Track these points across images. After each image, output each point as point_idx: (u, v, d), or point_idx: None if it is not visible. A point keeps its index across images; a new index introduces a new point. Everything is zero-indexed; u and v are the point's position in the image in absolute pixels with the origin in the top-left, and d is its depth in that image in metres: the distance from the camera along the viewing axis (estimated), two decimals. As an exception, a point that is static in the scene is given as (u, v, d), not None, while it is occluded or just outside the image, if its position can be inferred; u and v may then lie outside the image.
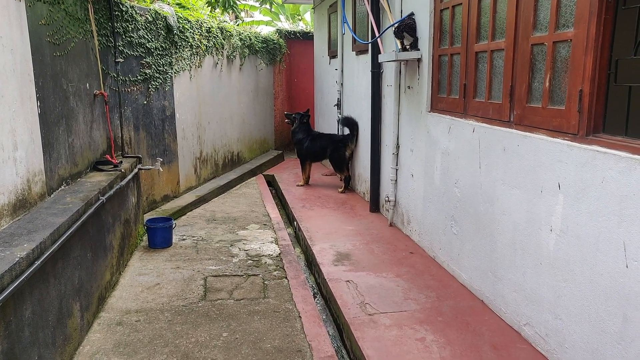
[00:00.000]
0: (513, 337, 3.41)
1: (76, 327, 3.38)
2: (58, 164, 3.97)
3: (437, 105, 4.72)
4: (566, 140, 2.92)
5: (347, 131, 7.75)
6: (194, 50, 7.48)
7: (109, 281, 4.26)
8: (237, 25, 10.63)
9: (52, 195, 3.80)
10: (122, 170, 4.93)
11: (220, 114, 8.77)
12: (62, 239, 3.10)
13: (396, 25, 5.11)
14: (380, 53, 5.84)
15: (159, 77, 6.64)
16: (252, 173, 9.41)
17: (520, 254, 3.39)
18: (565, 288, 2.96)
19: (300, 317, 3.85)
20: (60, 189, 3.98)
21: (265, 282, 4.51)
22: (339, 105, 8.47)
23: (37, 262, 2.71)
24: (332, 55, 8.97)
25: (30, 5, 3.54)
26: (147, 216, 5.95)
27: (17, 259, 2.54)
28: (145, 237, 5.56)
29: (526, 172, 3.29)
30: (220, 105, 8.75)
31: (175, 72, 7.01)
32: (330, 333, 3.84)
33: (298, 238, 6.16)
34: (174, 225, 5.51)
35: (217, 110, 8.63)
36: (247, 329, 3.66)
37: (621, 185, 2.49)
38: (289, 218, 7.04)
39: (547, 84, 3.11)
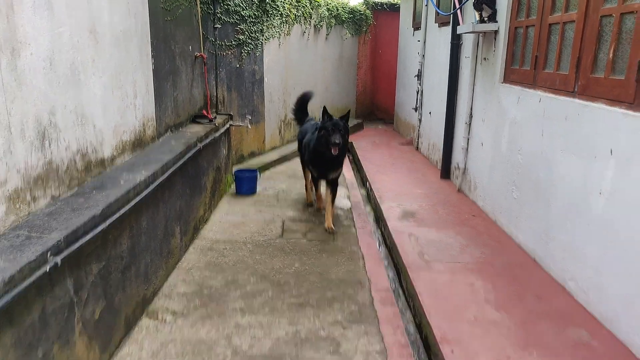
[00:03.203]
0: (557, 290, 3.68)
1: (177, 246, 4.10)
2: (165, 113, 4.67)
3: (510, 76, 4.89)
4: (622, 109, 3.10)
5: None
6: (283, 19, 8.01)
7: (202, 216, 4.98)
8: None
9: (160, 139, 4.51)
10: (216, 125, 5.60)
11: (305, 80, 9.30)
12: (169, 172, 3.77)
13: (476, -3, 5.28)
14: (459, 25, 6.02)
15: (250, 43, 7.25)
16: (332, 138, 9.90)
17: (571, 216, 3.62)
18: (609, 247, 3.18)
19: (363, 257, 4.33)
20: (166, 134, 4.69)
21: (335, 229, 5.03)
22: (419, 76, 8.69)
23: (152, 186, 3.38)
24: (416, 27, 9.14)
25: (150, -24, 4.18)
26: (235, 168, 6.66)
27: (137, 181, 3.21)
28: (233, 186, 6.26)
29: (583, 139, 3.48)
30: (306, 72, 9.27)
31: (265, 39, 7.59)
32: (389, 276, 4.28)
33: (369, 198, 6.60)
34: (258, 176, 6.16)
35: (302, 77, 9.16)
36: (315, 262, 4.21)
37: (664, 149, 2.67)
38: (362, 181, 7.48)
39: (611, 55, 3.27)
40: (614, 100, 3.20)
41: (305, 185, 5.97)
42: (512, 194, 4.63)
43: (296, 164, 7.91)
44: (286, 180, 6.85)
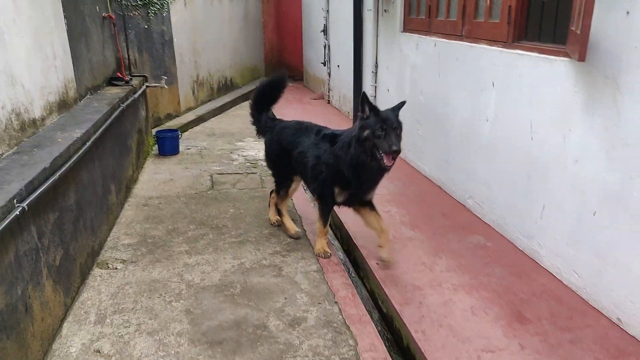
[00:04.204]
0: (459, 208, 4.35)
1: (114, 203, 4.25)
2: (83, 75, 4.67)
3: (408, 25, 5.42)
4: (499, 47, 3.70)
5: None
6: (187, -22, 7.95)
7: (132, 176, 5.10)
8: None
9: (82, 101, 4.53)
10: (133, 86, 5.63)
11: (214, 40, 9.32)
12: (100, 130, 3.88)
13: (374, -48, 5.69)
14: (360, -21, 6.43)
15: (157, 3, 7.18)
16: (245, 97, 10.06)
17: (465, 143, 4.26)
18: (494, 164, 3.85)
19: (292, 199, 4.74)
20: (87, 97, 4.71)
21: (262, 178, 5.39)
22: (325, 31, 9.06)
23: (88, 143, 3.51)
24: (319, -17, 9.43)
25: None
26: (155, 130, 6.71)
27: (75, 138, 3.33)
28: (155, 147, 6.35)
29: (471, 76, 4.09)
30: (213, 32, 9.29)
31: (171, -1, 7.53)
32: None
33: (288, 149, 6.98)
34: (180, 136, 6.29)
35: (210, 37, 9.18)
36: (249, 207, 4.57)
37: (531, 78, 3.31)
38: (280, 134, 7.83)
39: (488, 1, 3.84)
40: (493, 40, 3.80)
41: (274, 206, 4.24)
42: (418, 132, 5.24)
43: (214, 123, 8.06)
44: (206, 139, 7.04)
